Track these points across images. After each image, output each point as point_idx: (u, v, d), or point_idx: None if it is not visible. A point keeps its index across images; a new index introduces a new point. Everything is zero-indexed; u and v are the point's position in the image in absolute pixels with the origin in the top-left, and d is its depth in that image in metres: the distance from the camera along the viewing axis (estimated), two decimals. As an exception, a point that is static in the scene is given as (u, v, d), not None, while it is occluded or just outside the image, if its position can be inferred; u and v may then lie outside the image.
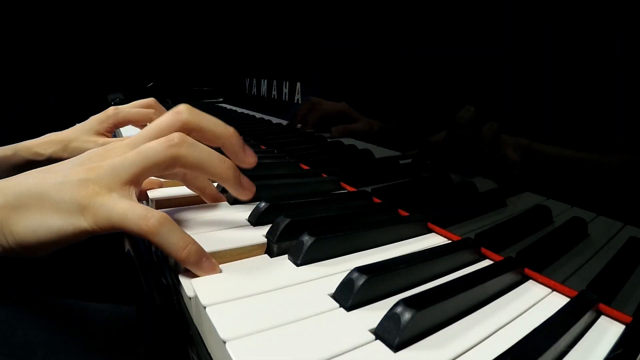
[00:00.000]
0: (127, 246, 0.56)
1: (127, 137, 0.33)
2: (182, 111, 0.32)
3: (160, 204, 0.41)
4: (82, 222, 0.28)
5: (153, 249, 0.38)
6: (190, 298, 0.27)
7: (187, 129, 0.32)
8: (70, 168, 0.30)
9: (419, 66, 0.42)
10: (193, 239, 0.29)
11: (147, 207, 0.29)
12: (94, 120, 0.64)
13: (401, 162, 0.47)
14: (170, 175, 0.36)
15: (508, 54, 0.33)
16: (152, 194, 0.42)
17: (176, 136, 0.30)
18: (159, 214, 0.28)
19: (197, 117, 0.32)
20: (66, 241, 0.29)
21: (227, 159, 0.33)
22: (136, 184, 0.30)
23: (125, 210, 0.28)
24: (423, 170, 0.43)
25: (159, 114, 0.64)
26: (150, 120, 0.65)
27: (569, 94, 0.29)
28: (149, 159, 0.30)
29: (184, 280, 0.28)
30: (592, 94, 0.27)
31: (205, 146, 0.31)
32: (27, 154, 0.62)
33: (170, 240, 0.28)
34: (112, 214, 0.28)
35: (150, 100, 0.67)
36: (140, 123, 0.66)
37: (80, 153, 0.32)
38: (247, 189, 0.35)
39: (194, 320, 0.27)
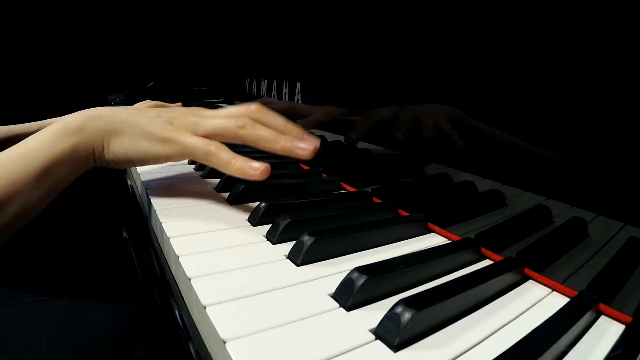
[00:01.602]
0: (123, 229, 0.56)
1: (207, 109, 0.43)
2: (253, 108, 0.41)
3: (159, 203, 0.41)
4: (161, 149, 0.39)
5: (154, 257, 0.39)
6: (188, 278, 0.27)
7: (253, 119, 0.40)
8: (159, 113, 0.42)
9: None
10: (238, 155, 0.38)
11: (208, 140, 0.39)
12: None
13: (402, 162, 0.47)
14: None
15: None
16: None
17: (244, 120, 0.39)
18: (218, 143, 0.39)
19: (263, 114, 0.41)
20: (147, 161, 0.40)
21: (280, 136, 0.40)
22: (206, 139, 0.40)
23: (194, 141, 0.39)
24: (411, 165, 0.44)
25: None
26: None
27: (563, 90, 0.29)
28: (221, 128, 0.40)
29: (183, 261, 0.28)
30: (587, 92, 0.27)
31: (263, 128, 0.40)
32: None
33: (222, 157, 0.38)
34: (184, 144, 0.39)
35: (158, 103, 0.78)
36: None
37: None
38: (304, 149, 0.40)
39: (195, 320, 0.27)
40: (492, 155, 0.35)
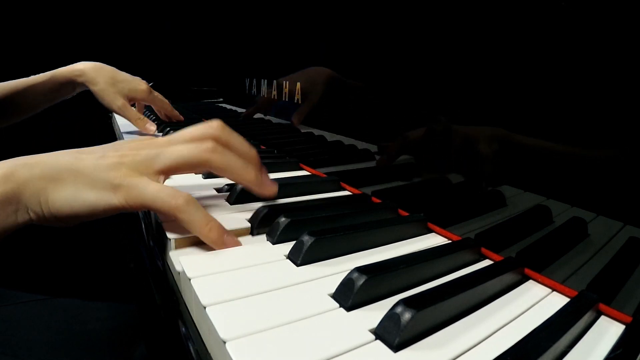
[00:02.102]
0: (123, 230, 0.56)
1: (160, 137, 0.37)
2: (215, 126, 0.37)
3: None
4: (113, 199, 0.32)
5: (156, 261, 0.38)
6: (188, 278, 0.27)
7: (217, 141, 0.36)
8: (105, 152, 0.34)
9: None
10: (214, 218, 0.33)
11: (175, 188, 0.33)
12: (128, 83, 0.80)
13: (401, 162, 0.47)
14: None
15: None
16: None
17: (210, 143, 0.35)
18: (187, 194, 0.33)
19: (227, 134, 0.37)
20: (97, 215, 0.33)
21: (249, 165, 0.37)
22: (166, 175, 0.35)
23: (156, 190, 0.32)
24: (417, 170, 0.43)
25: (168, 107, 0.90)
26: (166, 110, 0.90)
27: (562, 89, 0.29)
28: (183, 157, 0.35)
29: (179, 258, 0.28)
30: (585, 90, 0.27)
31: (232, 154, 0.36)
32: (67, 74, 0.79)
33: (196, 217, 0.32)
34: (144, 192, 0.32)
35: (156, 95, 0.84)
36: (161, 111, 0.90)
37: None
38: (268, 188, 0.39)
39: (195, 320, 0.27)
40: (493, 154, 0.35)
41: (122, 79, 0.79)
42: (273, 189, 0.40)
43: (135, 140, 0.37)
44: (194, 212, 0.32)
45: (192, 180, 0.50)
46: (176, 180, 0.48)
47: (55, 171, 0.32)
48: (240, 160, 0.36)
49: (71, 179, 0.32)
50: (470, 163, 0.37)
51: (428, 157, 0.42)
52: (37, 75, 0.79)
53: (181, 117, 0.92)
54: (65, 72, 0.79)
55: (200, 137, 0.36)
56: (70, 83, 0.80)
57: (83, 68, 0.78)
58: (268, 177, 0.40)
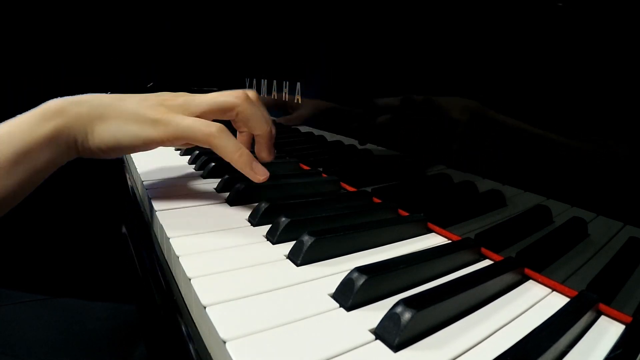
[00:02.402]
0: (123, 229, 0.56)
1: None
2: (239, 94, 0.41)
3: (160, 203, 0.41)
4: (152, 132, 0.37)
5: (156, 253, 0.38)
6: (189, 279, 0.27)
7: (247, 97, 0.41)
8: (147, 96, 0.39)
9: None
10: (243, 147, 0.38)
11: (208, 121, 0.37)
12: None
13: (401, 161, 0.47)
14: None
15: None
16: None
17: (242, 93, 0.40)
18: (219, 124, 0.37)
19: (257, 97, 0.42)
20: (137, 147, 0.38)
21: (269, 121, 0.42)
22: (200, 117, 0.39)
23: (192, 121, 0.37)
24: (419, 167, 0.43)
25: None
26: None
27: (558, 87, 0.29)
28: (217, 102, 0.39)
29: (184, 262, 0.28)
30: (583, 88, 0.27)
31: (260, 110, 0.42)
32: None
33: (228, 144, 0.37)
34: (181, 125, 0.37)
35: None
36: None
37: None
38: (261, 170, 0.41)
39: (195, 320, 0.27)
40: (493, 154, 0.35)
41: None
42: (265, 173, 0.40)
43: (177, 93, 0.41)
44: (226, 139, 0.37)
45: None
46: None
47: (102, 107, 0.37)
48: (263, 116, 0.41)
49: (116, 114, 0.37)
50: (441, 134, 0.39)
51: (402, 126, 0.44)
52: None
53: None
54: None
55: (234, 91, 0.41)
56: None
57: None
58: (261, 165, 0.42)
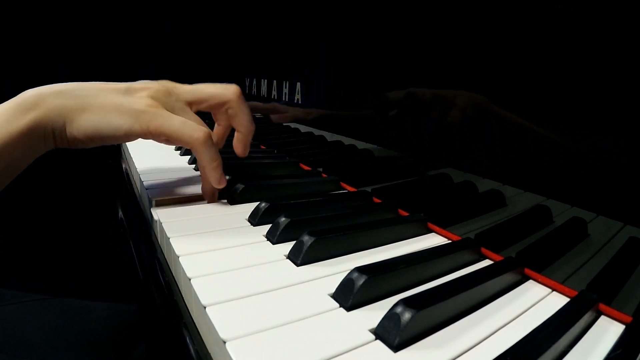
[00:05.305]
0: (120, 214, 0.56)
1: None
2: (234, 90, 0.42)
3: (159, 202, 0.41)
4: (135, 125, 0.35)
5: (157, 254, 0.38)
6: (189, 279, 0.27)
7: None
8: (131, 85, 0.38)
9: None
10: (219, 161, 0.38)
11: (198, 121, 0.38)
12: None
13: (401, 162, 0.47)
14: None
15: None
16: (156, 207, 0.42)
17: (236, 88, 0.41)
18: (206, 130, 0.37)
19: (244, 102, 0.44)
20: (118, 138, 0.36)
21: (253, 123, 0.44)
22: (192, 107, 0.40)
23: (180, 124, 0.36)
24: (421, 166, 0.43)
25: None
26: None
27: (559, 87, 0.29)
28: (212, 95, 0.41)
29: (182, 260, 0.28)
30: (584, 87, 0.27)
31: (248, 108, 0.43)
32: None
33: (210, 152, 0.37)
34: (168, 122, 0.36)
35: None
36: None
37: None
38: (221, 178, 0.41)
39: (195, 320, 0.27)
40: (493, 153, 0.35)
41: None
42: (222, 181, 0.41)
43: (161, 81, 0.41)
44: (210, 147, 0.37)
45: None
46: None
47: (83, 98, 0.35)
48: (250, 114, 0.43)
49: (98, 104, 0.35)
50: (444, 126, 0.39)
51: (406, 120, 0.44)
52: None
53: None
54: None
55: (227, 86, 0.42)
56: None
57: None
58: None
